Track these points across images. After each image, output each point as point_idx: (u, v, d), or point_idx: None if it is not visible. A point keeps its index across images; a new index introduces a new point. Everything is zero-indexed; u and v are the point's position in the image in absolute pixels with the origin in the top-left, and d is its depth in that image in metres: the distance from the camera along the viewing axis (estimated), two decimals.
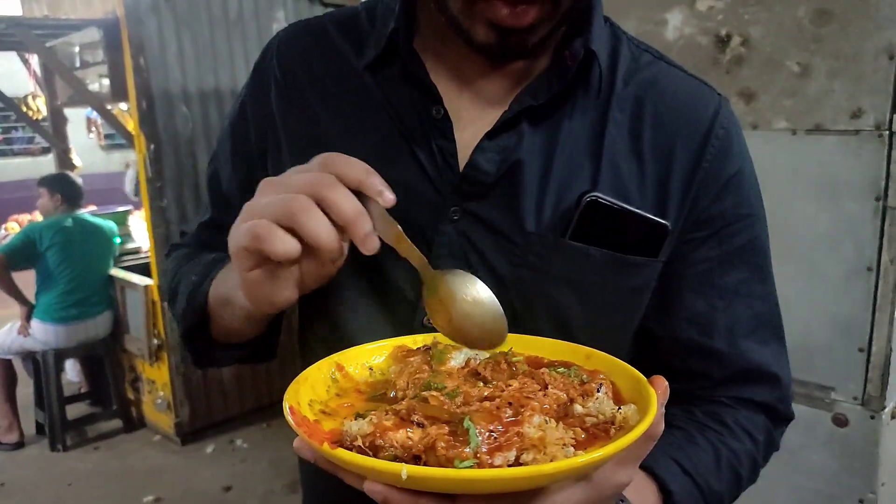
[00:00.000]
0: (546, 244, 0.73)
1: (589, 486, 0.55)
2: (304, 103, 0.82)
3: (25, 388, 4.43)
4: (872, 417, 1.61)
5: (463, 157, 0.75)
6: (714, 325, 0.80)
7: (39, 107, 6.71)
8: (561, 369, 0.60)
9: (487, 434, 0.49)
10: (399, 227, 0.61)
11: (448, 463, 0.47)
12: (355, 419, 0.52)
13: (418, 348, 0.67)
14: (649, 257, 0.75)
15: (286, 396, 0.56)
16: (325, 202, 0.57)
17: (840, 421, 1.65)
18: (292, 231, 0.57)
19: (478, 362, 0.63)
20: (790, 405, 0.85)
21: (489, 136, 0.74)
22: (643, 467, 0.70)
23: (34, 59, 6.12)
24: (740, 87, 1.70)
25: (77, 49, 4.79)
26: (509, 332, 0.70)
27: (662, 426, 0.57)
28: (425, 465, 0.48)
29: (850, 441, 1.64)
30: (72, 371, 4.98)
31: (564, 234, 0.73)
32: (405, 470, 0.45)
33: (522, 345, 0.67)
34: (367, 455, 0.49)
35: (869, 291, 1.57)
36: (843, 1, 1.54)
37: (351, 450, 0.49)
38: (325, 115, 0.81)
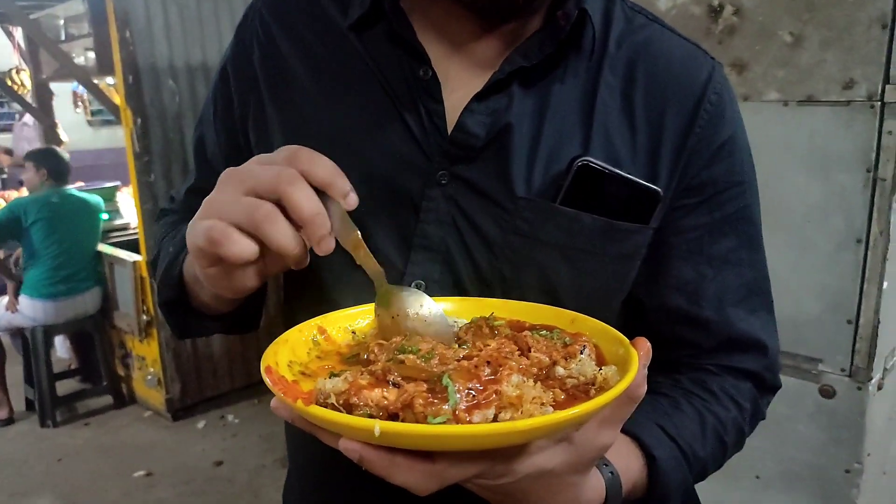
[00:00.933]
0: (536, 209, 0.72)
1: (571, 448, 0.55)
2: (288, 65, 0.80)
3: (15, 366, 4.42)
4: (859, 389, 1.62)
5: (451, 119, 0.73)
6: (702, 293, 0.79)
7: (24, 81, 6.61)
8: (543, 332, 0.59)
9: (466, 392, 0.48)
10: (358, 232, 0.60)
11: (425, 421, 0.46)
12: (330, 377, 0.51)
13: None
14: (640, 224, 0.74)
15: (264, 357, 0.55)
16: (285, 199, 0.55)
17: (827, 392, 1.65)
18: (255, 236, 0.56)
19: (458, 328, 0.62)
20: (777, 374, 0.85)
21: (478, 97, 0.73)
22: (628, 433, 0.70)
23: (18, 32, 6.02)
24: (732, 57, 1.68)
25: (62, 21, 4.72)
26: (497, 298, 0.69)
27: (645, 388, 0.57)
28: (403, 422, 0.47)
29: (836, 412, 1.65)
30: (61, 348, 4.96)
31: (555, 199, 0.71)
32: (378, 426, 0.44)
33: (506, 309, 0.66)
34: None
35: (858, 263, 1.57)
36: None
37: (326, 408, 0.48)
38: (308, 78, 0.79)
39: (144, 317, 4.14)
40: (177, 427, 4.20)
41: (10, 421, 4.28)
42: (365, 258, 0.62)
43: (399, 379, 0.50)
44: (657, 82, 0.75)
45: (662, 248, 0.78)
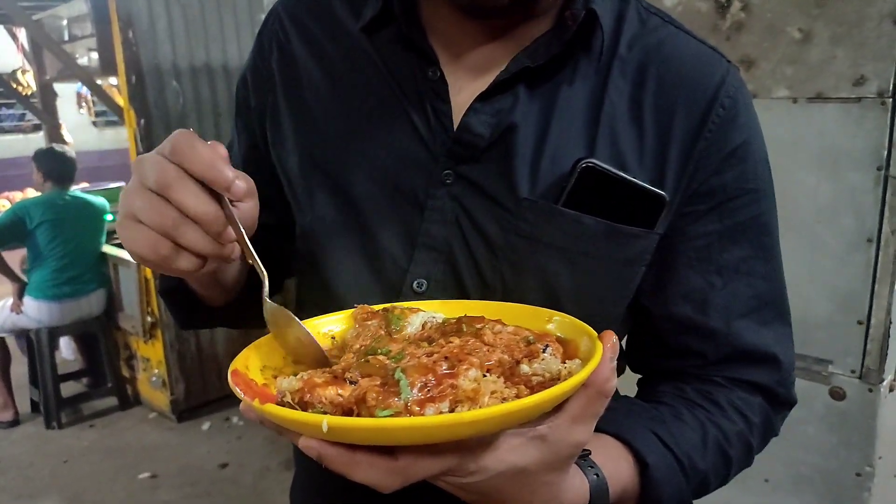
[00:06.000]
0: (538, 211, 0.70)
1: (544, 446, 0.53)
2: (302, 67, 0.82)
3: (20, 367, 4.42)
4: (870, 391, 1.59)
5: (458, 120, 0.73)
6: (710, 302, 0.76)
7: (28, 82, 6.62)
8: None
9: (420, 386, 0.47)
10: (243, 230, 0.59)
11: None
12: (289, 377, 0.51)
13: (377, 311, 0.65)
14: (645, 228, 0.72)
15: (234, 362, 0.55)
16: (172, 202, 0.55)
17: (837, 394, 1.63)
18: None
19: (433, 326, 0.62)
20: (791, 389, 0.81)
21: (482, 97, 0.72)
22: (620, 439, 0.68)
23: (21, 33, 6.03)
24: (740, 54, 1.66)
25: (65, 22, 4.72)
26: (498, 300, 0.69)
27: (614, 382, 0.54)
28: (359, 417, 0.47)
29: (847, 415, 1.63)
30: (67, 349, 4.96)
31: (557, 200, 0.70)
32: (325, 421, 0.43)
33: (485, 311, 0.65)
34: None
35: (869, 263, 1.54)
36: None
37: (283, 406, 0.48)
38: (322, 79, 0.80)
39: (149, 318, 4.14)
40: (182, 429, 4.20)
41: (15, 423, 4.28)
42: (249, 258, 0.60)
43: (356, 376, 0.50)
44: (667, 85, 0.73)
45: (670, 254, 0.75)
